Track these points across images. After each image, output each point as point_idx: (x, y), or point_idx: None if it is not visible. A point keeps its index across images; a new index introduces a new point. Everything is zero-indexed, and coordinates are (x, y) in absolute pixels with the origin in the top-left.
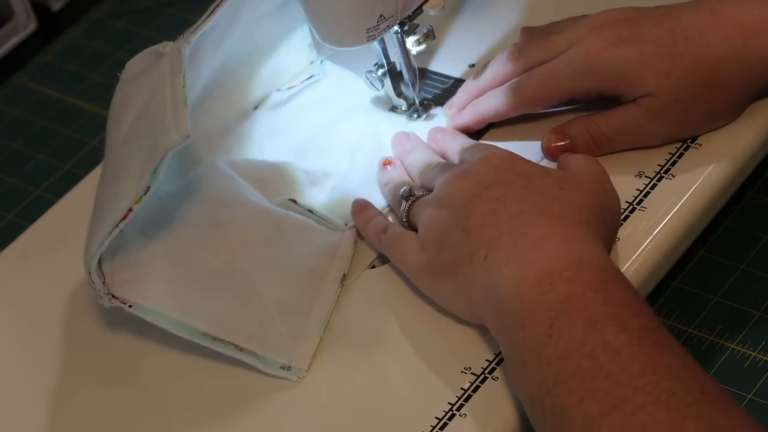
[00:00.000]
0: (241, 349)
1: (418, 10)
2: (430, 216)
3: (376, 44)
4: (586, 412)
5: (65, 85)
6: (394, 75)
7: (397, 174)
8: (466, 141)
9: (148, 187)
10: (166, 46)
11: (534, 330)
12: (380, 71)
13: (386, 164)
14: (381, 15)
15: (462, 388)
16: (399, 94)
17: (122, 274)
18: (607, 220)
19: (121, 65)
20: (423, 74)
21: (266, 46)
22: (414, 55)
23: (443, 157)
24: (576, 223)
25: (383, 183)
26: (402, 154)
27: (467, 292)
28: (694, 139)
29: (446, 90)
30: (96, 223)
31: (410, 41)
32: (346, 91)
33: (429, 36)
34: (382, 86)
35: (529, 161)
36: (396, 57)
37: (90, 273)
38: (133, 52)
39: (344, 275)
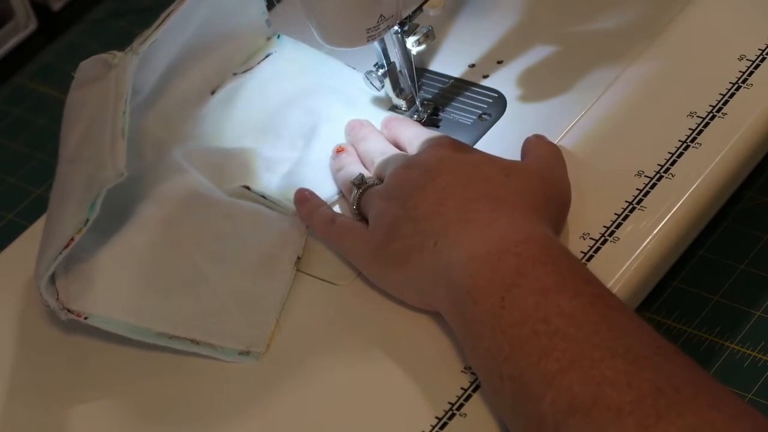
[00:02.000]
0: (197, 343)
1: (418, 10)
2: (380, 207)
3: (376, 44)
4: (545, 370)
5: (65, 85)
6: (394, 75)
7: (350, 161)
8: (418, 129)
9: (87, 219)
10: (115, 57)
11: (487, 304)
12: (380, 71)
13: (339, 151)
14: (381, 15)
15: (462, 388)
16: (399, 94)
17: (75, 286)
18: (555, 206)
19: None
20: (423, 74)
21: (224, 25)
22: (414, 55)
23: (396, 145)
24: (521, 208)
25: (336, 169)
26: (355, 142)
27: (418, 280)
28: (693, 139)
29: (446, 90)
30: (45, 242)
31: (410, 41)
32: (304, 68)
33: (429, 36)
34: (382, 86)
35: (475, 149)
36: (396, 57)
37: (41, 294)
38: None
39: (298, 258)
